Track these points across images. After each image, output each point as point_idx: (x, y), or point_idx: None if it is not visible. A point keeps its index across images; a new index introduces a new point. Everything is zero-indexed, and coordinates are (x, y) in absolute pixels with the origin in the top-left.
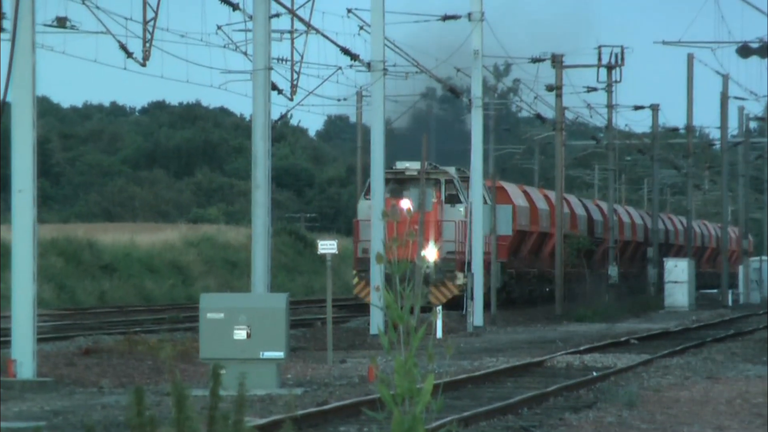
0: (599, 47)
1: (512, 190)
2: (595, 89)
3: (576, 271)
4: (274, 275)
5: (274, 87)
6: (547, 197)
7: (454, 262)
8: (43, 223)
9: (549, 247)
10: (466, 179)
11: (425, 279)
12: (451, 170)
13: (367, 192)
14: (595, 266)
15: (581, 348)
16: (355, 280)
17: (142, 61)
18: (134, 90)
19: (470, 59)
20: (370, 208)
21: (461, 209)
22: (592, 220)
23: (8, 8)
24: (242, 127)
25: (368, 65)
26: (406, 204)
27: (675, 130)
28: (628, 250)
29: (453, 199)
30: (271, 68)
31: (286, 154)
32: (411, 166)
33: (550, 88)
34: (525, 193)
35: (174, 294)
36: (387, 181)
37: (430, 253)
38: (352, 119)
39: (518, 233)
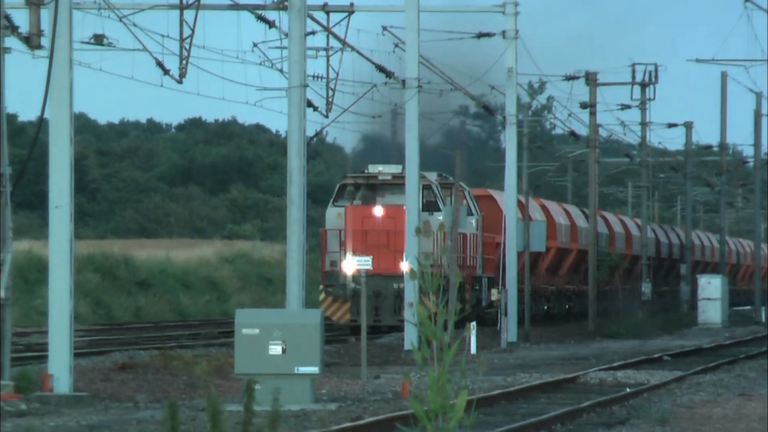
0: (633, 65)
1: (504, 199)
2: (628, 107)
3: (580, 288)
4: (308, 291)
5: (309, 104)
6: (544, 207)
7: None
8: (80, 239)
9: (546, 263)
10: (448, 186)
11: (399, 295)
12: (431, 175)
13: (336, 199)
14: (601, 282)
15: (614, 364)
16: (322, 296)
17: (178, 78)
18: (170, 107)
19: (504, 77)
20: (339, 217)
21: (440, 217)
22: (596, 233)
23: (46, 26)
24: (277, 144)
25: (403, 83)
26: (379, 211)
27: (708, 147)
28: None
29: (431, 207)
30: (306, 85)
31: (321, 170)
32: (385, 170)
33: (584, 106)
34: (520, 203)
35: (209, 310)
36: (358, 186)
37: (405, 267)
38: (386, 136)
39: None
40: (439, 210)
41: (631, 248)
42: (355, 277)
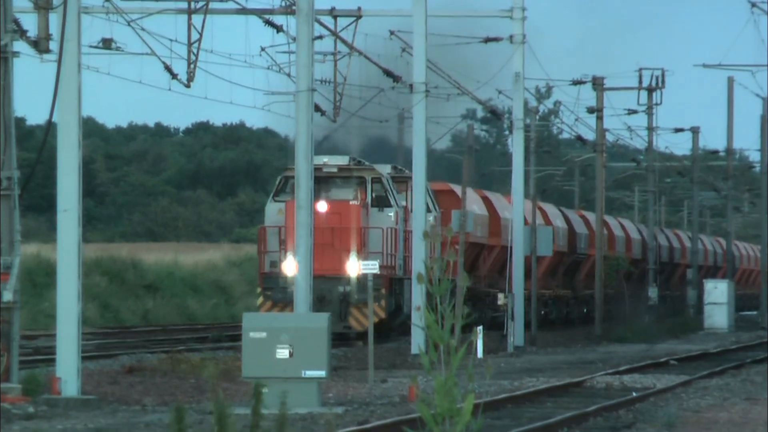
0: (640, 70)
1: (467, 194)
2: (635, 111)
3: (563, 293)
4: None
5: (317, 108)
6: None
7: (381, 279)
8: (88, 243)
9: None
10: (404, 180)
11: (344, 299)
12: (383, 168)
13: (276, 193)
14: (578, 287)
15: (621, 369)
16: (260, 300)
17: (186, 82)
18: (178, 111)
19: (511, 81)
20: (280, 213)
21: (391, 214)
22: (574, 234)
23: (55, 30)
24: (285, 148)
25: (410, 87)
26: (323, 207)
27: (715, 152)
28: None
29: (381, 202)
30: (314, 90)
31: None
32: (331, 161)
33: (591, 110)
34: (485, 199)
35: (216, 313)
36: None
37: (352, 268)
38: (393, 140)
39: (472, 246)
40: (389, 206)
41: (614, 248)
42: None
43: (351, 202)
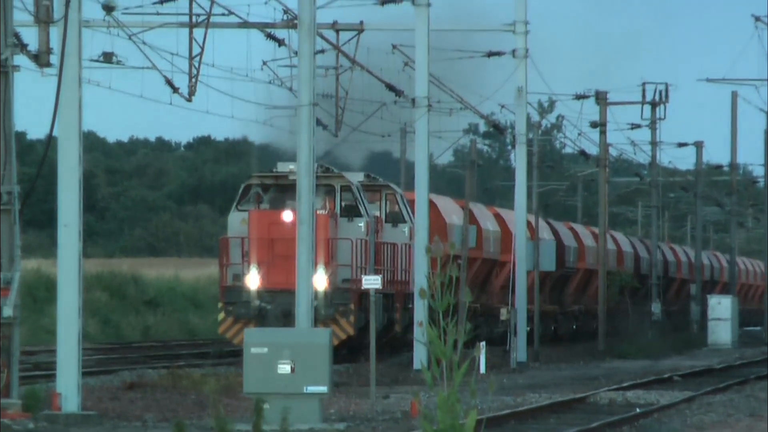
0: (643, 84)
1: (445, 204)
2: (639, 126)
3: (550, 308)
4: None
5: (318, 123)
6: (498, 216)
7: (349, 293)
8: (88, 258)
9: (501, 279)
10: (377, 189)
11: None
12: (355, 176)
13: (240, 202)
14: (566, 302)
15: (624, 384)
16: (221, 315)
17: (187, 96)
18: (180, 125)
19: (514, 96)
20: (244, 223)
21: (361, 224)
22: (563, 247)
23: (55, 44)
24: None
25: (413, 101)
26: (288, 216)
27: (719, 167)
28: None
29: (351, 212)
30: (316, 104)
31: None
32: (297, 169)
33: (594, 125)
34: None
35: (218, 328)
36: (266, 187)
37: (318, 281)
38: (395, 155)
39: (447, 259)
40: (360, 215)
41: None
42: (260, 293)
43: (318, 212)
